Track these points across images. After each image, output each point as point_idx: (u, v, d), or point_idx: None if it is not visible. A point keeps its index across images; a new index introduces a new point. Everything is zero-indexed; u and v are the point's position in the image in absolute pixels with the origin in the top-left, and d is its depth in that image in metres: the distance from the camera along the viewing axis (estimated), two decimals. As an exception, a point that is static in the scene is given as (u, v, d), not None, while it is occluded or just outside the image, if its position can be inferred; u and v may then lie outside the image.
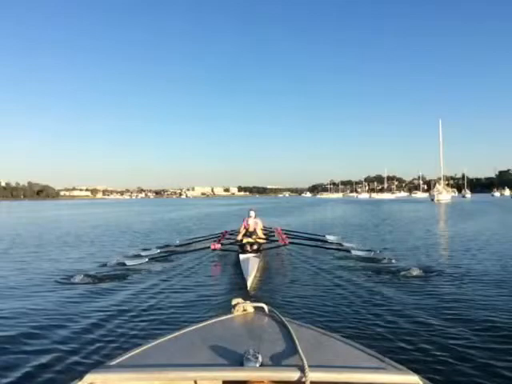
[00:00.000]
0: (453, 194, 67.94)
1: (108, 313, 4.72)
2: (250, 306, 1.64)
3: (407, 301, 5.05)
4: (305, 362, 1.19)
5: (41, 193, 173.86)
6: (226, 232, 10.56)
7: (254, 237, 8.18)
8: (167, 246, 10.33)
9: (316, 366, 1.20)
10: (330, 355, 1.28)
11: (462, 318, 4.34)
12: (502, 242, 10.91)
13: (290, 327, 1.42)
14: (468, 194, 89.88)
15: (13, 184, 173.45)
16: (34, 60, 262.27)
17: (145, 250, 9.59)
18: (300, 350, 1.23)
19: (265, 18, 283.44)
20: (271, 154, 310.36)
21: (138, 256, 8.60)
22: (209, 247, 8.08)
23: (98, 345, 3.69)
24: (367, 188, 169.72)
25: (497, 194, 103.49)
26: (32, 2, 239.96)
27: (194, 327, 1.49)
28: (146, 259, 8.00)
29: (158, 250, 9.27)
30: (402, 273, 6.59)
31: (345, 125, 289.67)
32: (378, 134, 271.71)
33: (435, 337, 3.74)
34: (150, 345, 1.38)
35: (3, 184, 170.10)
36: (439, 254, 9.14)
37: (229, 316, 1.62)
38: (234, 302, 1.69)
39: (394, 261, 7.72)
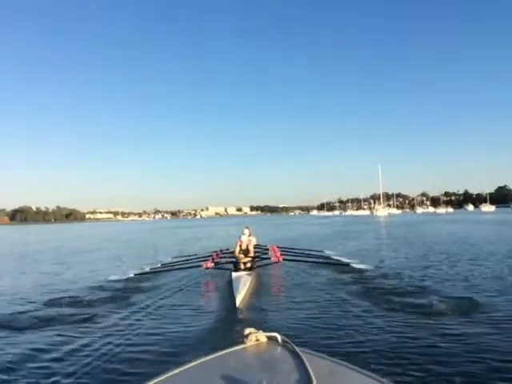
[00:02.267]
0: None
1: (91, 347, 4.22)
2: (262, 336, 1.56)
3: (423, 324, 4.53)
4: None
5: (69, 216, 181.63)
6: (221, 251, 10.47)
7: (247, 255, 8.10)
8: (159, 263, 10.17)
9: None
10: None
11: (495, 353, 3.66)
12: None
13: (303, 357, 1.36)
14: (441, 210, 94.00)
15: (42, 208, 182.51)
16: (54, 86, 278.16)
17: (138, 267, 9.40)
18: (315, 382, 1.17)
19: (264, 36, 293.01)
20: (282, 173, 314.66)
21: (128, 273, 8.53)
22: (202, 266, 8.03)
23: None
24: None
25: (470, 208, 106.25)
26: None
27: (206, 358, 1.42)
28: (135, 275, 8.05)
29: (149, 268, 9.22)
30: (410, 292, 6.16)
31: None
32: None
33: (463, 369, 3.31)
34: (158, 379, 1.28)
35: (34, 209, 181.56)
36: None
37: (242, 346, 1.52)
38: (246, 331, 1.57)
39: (393, 277, 7.45)
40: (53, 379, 3.45)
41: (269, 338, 1.57)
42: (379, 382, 1.23)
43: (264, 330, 1.60)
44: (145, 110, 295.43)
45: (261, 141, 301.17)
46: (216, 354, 1.45)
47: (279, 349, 1.51)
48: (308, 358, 1.36)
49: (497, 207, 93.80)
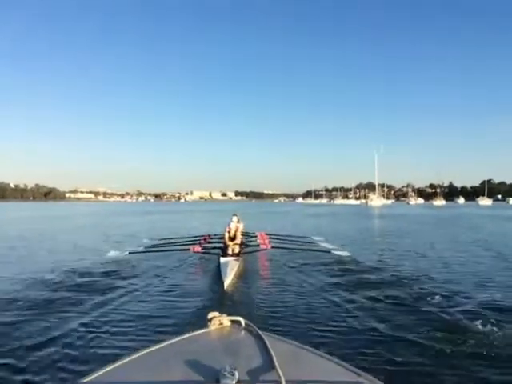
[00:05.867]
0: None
1: (71, 325, 4.21)
2: (226, 320, 1.52)
3: (389, 310, 4.70)
4: (282, 378, 1.11)
5: (48, 195, 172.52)
6: (209, 236, 10.30)
7: (235, 240, 8.04)
8: (147, 244, 9.76)
9: (293, 382, 1.12)
10: (307, 370, 1.20)
11: (452, 334, 3.83)
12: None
13: (266, 341, 1.33)
14: (437, 202, 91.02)
15: (21, 186, 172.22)
16: (53, 67, 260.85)
17: (126, 246, 9.16)
18: (277, 365, 1.15)
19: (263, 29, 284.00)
20: (267, 159, 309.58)
21: (119, 251, 8.25)
22: (189, 250, 7.91)
23: (63, 363, 3.26)
24: (358, 195, 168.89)
25: (461, 200, 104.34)
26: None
27: (168, 342, 1.36)
28: (126, 253, 7.93)
29: (140, 248, 8.89)
30: (384, 278, 6.47)
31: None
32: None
33: (418, 355, 3.41)
34: (121, 362, 1.23)
35: (12, 185, 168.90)
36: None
37: (205, 330, 1.49)
38: (210, 315, 1.54)
39: (372, 263, 7.70)
40: (33, 358, 3.38)
41: (232, 321, 1.55)
42: (339, 365, 1.25)
43: (228, 314, 1.56)
44: (132, 91, 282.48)
45: (248, 127, 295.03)
46: (178, 338, 1.42)
47: (242, 332, 1.49)
48: (271, 341, 1.36)
49: (493, 201, 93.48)
